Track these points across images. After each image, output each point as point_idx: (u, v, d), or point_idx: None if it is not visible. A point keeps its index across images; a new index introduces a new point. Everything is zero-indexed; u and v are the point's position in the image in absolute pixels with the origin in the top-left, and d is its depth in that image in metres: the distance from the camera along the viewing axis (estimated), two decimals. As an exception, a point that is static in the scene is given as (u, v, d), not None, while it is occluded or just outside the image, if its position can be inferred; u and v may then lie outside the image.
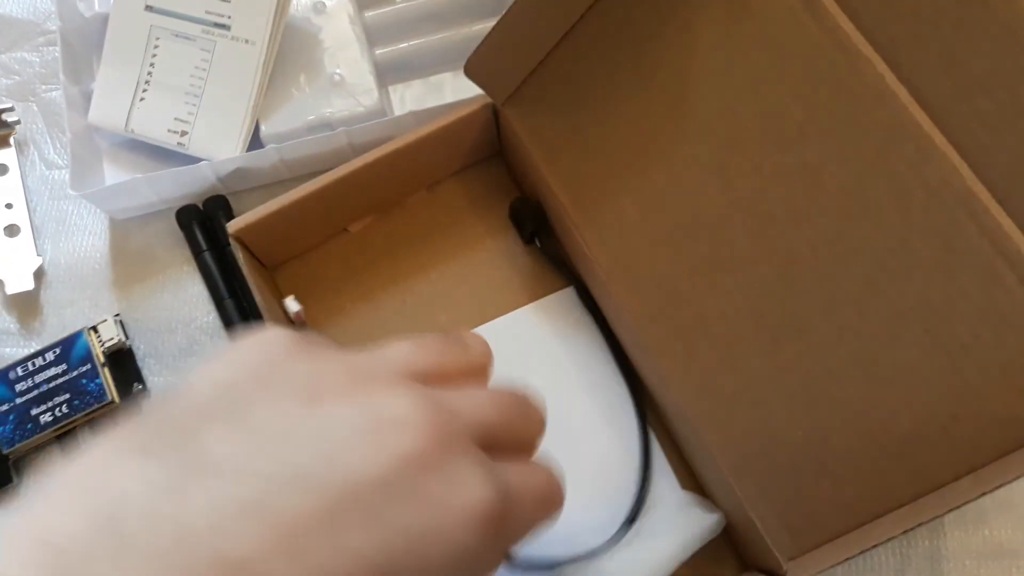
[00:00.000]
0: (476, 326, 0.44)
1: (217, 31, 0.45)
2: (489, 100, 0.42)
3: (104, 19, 0.47)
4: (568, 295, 0.45)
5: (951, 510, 0.30)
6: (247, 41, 0.45)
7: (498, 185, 0.47)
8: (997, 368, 0.30)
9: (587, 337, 0.44)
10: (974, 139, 0.30)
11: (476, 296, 0.45)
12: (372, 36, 0.48)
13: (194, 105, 0.45)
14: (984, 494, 0.29)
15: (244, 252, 0.41)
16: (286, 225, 0.42)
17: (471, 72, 0.39)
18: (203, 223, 0.46)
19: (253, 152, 0.44)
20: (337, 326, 0.45)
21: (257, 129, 0.46)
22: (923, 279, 0.31)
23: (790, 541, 0.35)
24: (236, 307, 0.45)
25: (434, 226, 0.46)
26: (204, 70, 0.45)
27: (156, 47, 0.45)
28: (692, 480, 0.42)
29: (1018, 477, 0.29)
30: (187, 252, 0.47)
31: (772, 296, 0.35)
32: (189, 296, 0.47)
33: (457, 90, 0.48)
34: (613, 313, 0.42)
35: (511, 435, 0.26)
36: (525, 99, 0.41)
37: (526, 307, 0.45)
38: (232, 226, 0.41)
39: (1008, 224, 0.30)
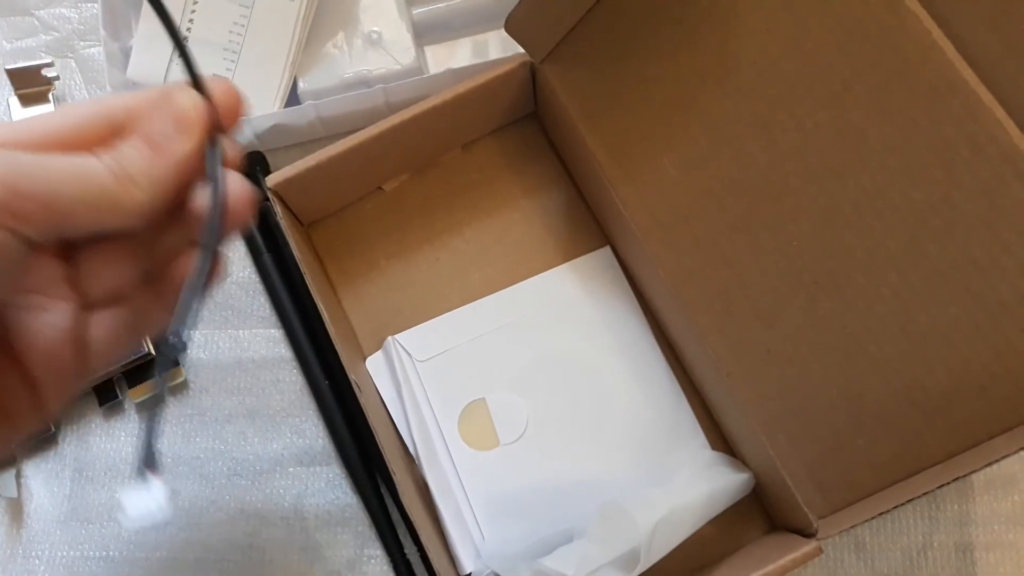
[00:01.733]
0: (510, 285, 0.44)
1: (256, -13, 0.45)
2: (526, 58, 0.42)
3: (143, -25, 0.47)
4: (604, 255, 0.45)
5: (986, 465, 0.30)
6: (286, -3, 0.45)
7: (533, 145, 0.47)
8: (1038, 326, 0.30)
9: (622, 297, 0.44)
10: (1022, 95, 0.30)
11: (510, 255, 0.45)
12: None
13: (232, 61, 0.46)
14: (1021, 450, 0.29)
15: (282, 207, 0.42)
16: (323, 181, 0.43)
17: (511, 28, 0.39)
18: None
19: (290, 108, 0.44)
20: (371, 282, 0.45)
21: (294, 86, 0.46)
22: (965, 236, 0.31)
23: (821, 499, 0.35)
24: (274, 262, 0.45)
25: (469, 185, 0.46)
26: (243, 26, 0.45)
27: (195, 2, 0.46)
28: (722, 442, 0.42)
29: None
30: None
31: (811, 253, 0.35)
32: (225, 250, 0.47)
33: (494, 50, 0.48)
34: (646, 272, 0.42)
35: None
36: (564, 56, 0.41)
37: (560, 266, 0.45)
38: (271, 179, 0.41)
39: (1055, 181, 0.29)
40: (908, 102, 0.32)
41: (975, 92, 0.30)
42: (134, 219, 0.25)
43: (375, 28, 0.46)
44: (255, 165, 0.47)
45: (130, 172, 0.25)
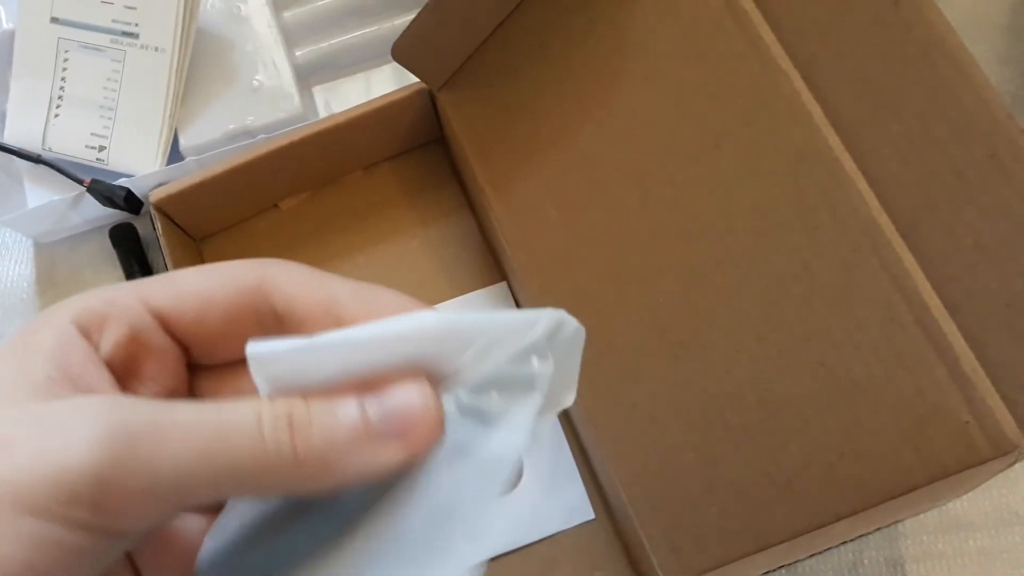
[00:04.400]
0: (398, 314, 0.43)
1: (126, 40, 0.44)
2: (424, 86, 0.41)
3: (13, 35, 0.45)
4: (500, 291, 0.44)
5: (826, 550, 0.29)
6: (157, 49, 0.43)
7: (437, 172, 0.46)
8: (887, 409, 0.29)
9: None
10: (883, 167, 0.29)
11: (403, 285, 0.43)
12: (292, 36, 0.47)
13: (109, 119, 0.44)
14: (844, 543, 0.28)
15: (165, 222, 0.41)
16: (214, 196, 0.42)
17: (399, 55, 0.38)
18: (137, 241, 0.46)
19: (173, 166, 0.43)
20: (261, 303, 0.44)
21: (176, 142, 0.45)
22: (823, 308, 0.30)
23: (676, 564, 0.34)
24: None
25: (368, 209, 0.45)
26: (116, 82, 0.44)
27: (66, 60, 0.44)
28: (599, 492, 0.41)
29: (894, 523, 0.28)
30: (118, 274, 0.46)
31: (676, 311, 0.33)
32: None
33: (388, 86, 0.47)
34: (530, 313, 0.41)
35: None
36: (461, 86, 0.40)
37: (453, 300, 0.44)
38: (155, 195, 0.40)
39: (909, 260, 0.28)
40: (775, 164, 0.31)
41: (839, 160, 0.29)
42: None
43: (256, 76, 0.45)
44: (126, 239, 0.46)
45: (303, 445, 0.17)
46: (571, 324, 0.19)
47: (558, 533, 0.40)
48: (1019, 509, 0.39)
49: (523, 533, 0.40)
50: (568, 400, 0.20)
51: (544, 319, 0.19)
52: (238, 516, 0.20)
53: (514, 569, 0.40)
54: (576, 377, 0.20)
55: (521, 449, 0.18)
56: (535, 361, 0.19)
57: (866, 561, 0.39)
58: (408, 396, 0.18)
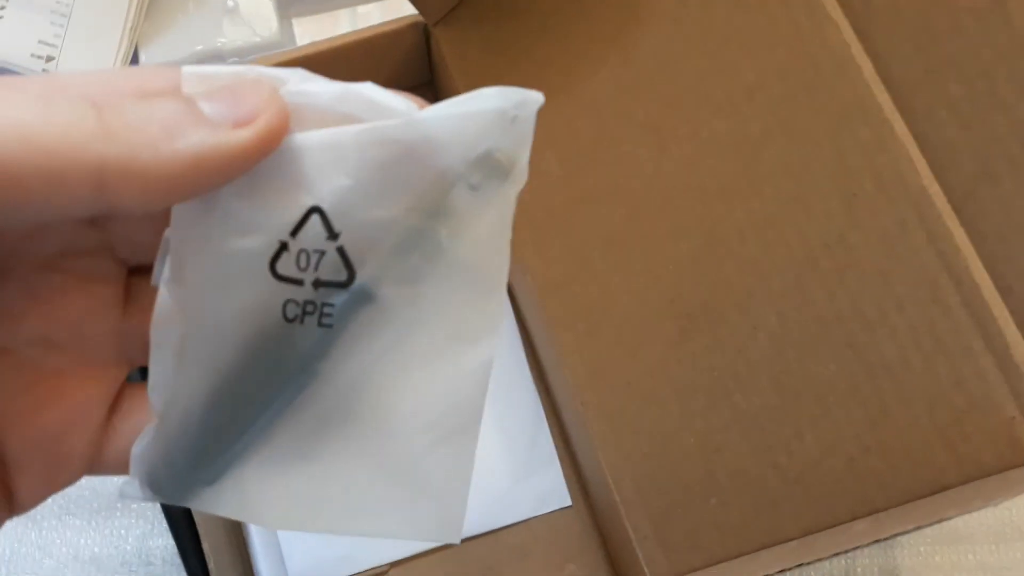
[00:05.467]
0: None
1: (86, -62, 0.39)
2: (419, 19, 0.37)
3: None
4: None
5: (838, 554, 0.26)
6: (122, -50, 0.39)
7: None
8: (922, 399, 0.26)
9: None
10: (939, 131, 0.26)
11: None
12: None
13: (61, 26, 0.40)
14: (876, 542, 0.25)
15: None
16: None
17: (397, -22, 0.34)
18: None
19: None
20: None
21: (135, 59, 0.41)
22: (857, 285, 0.27)
23: (664, 559, 0.31)
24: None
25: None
26: None
27: None
28: (577, 477, 0.37)
29: (917, 528, 0.25)
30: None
31: (687, 280, 0.30)
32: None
33: (374, 22, 0.43)
34: (517, 277, 0.37)
35: None
36: (460, 22, 0.37)
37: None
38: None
39: (960, 236, 0.25)
40: (814, 121, 0.28)
41: (888, 121, 0.26)
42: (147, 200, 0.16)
43: (232, -6, 0.41)
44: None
45: (113, 120, 0.15)
46: (531, 100, 0.16)
47: (530, 519, 0.37)
48: (1022, 525, 0.37)
49: (492, 516, 0.36)
50: (524, 177, 0.17)
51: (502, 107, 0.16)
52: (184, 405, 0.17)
53: (481, 556, 0.36)
54: (529, 144, 0.17)
55: (507, 235, 0.17)
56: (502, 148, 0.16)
57: (859, 569, 0.37)
58: (250, 95, 0.16)
